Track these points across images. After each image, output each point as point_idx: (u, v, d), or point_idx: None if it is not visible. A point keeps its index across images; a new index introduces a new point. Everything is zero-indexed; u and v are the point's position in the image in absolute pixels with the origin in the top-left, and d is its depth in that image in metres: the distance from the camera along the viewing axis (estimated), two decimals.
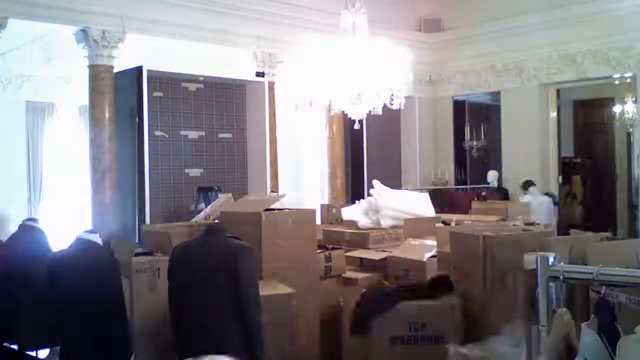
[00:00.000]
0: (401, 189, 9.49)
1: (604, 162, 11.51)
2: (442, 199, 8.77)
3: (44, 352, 4.69)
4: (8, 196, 8.61)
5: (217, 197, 7.06)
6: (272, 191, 7.51)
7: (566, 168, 10.44)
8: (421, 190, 9.34)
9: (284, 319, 3.38)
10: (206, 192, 7.24)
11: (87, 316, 3.16)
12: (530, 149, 9.29)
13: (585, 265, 2.51)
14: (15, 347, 4.44)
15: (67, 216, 9.00)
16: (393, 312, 3.35)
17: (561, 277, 1.74)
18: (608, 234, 2.80)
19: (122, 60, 7.23)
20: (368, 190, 6.41)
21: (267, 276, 3.71)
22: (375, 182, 5.75)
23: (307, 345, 3.99)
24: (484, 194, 9.18)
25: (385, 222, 5.33)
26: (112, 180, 6.83)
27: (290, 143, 9.05)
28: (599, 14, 8.33)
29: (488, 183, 9.43)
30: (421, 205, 5.74)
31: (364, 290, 3.77)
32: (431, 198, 6.11)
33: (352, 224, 5.51)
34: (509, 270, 2.84)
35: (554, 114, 9.42)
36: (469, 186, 9.91)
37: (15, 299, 4.09)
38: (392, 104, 5.64)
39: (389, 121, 9.55)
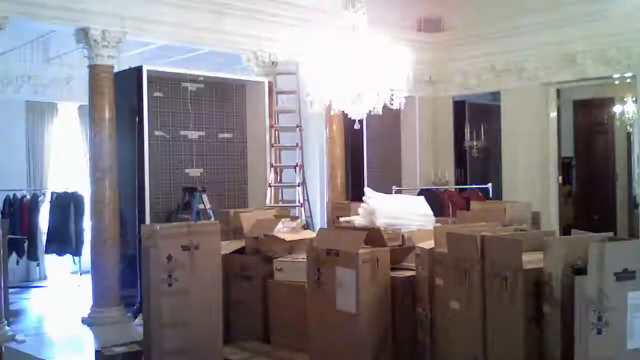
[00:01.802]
0: (399, 189, 9.55)
1: (604, 162, 11.49)
2: (434, 200, 8.60)
3: None
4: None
5: (202, 198, 7.11)
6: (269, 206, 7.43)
7: (566, 168, 10.41)
8: (418, 190, 9.36)
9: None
10: (191, 193, 7.25)
11: None
12: (530, 148, 9.28)
13: (586, 265, 2.50)
14: None
15: None
16: None
17: None
18: (609, 234, 2.78)
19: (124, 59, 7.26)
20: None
21: None
22: (367, 189, 5.77)
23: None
24: (481, 194, 9.16)
25: (379, 222, 5.34)
26: (112, 180, 6.82)
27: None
28: (599, 14, 8.32)
29: (488, 183, 9.43)
30: (417, 208, 5.72)
31: None
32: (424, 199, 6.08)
33: (349, 224, 5.56)
34: (509, 271, 2.82)
35: (554, 114, 9.41)
36: (456, 186, 9.90)
37: None
38: (392, 104, 5.65)
39: (389, 121, 9.54)
